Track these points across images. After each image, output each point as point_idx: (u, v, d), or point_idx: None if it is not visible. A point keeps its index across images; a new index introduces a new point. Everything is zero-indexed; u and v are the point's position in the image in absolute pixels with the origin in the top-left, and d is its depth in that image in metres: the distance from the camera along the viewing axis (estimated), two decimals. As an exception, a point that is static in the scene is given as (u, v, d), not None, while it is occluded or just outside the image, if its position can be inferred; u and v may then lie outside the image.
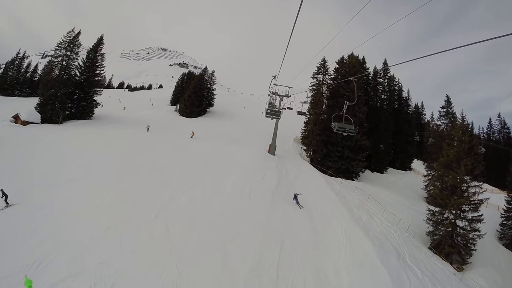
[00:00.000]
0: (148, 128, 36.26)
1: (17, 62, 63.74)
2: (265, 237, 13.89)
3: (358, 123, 29.80)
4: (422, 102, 66.50)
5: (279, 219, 15.58)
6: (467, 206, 19.72)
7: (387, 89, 42.19)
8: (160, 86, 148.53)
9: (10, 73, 62.23)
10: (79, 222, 13.03)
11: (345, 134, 13.91)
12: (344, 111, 13.76)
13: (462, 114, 26.20)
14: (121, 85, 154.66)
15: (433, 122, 69.12)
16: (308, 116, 33.94)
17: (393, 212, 22.83)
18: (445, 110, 34.52)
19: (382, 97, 42.60)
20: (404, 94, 50.06)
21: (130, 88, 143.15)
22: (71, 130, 32.61)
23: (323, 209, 18.48)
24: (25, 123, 32.35)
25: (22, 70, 65.42)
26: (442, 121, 34.48)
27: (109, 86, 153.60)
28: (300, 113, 29.94)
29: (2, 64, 65.80)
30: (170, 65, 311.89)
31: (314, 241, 14.60)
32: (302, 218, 16.20)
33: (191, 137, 26.76)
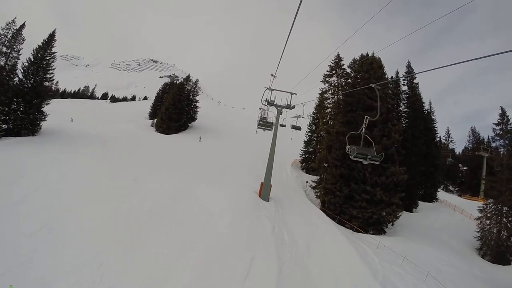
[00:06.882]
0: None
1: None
2: None
3: (393, 147, 20.25)
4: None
5: None
6: None
7: (412, 100, 33.10)
8: (145, 98, 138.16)
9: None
10: None
11: (365, 162, 9.33)
12: (364, 129, 9.17)
13: None
14: (104, 96, 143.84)
15: (450, 139, 60.97)
16: (315, 135, 24.20)
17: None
18: (500, 127, 25.17)
19: (406, 110, 33.53)
20: (425, 107, 41.66)
21: (112, 99, 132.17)
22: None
23: None
24: None
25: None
26: (498, 142, 25.12)
27: (92, 96, 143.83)
28: (294, 127, 21.07)
29: None
30: (160, 77, 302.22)
31: None
32: None
33: None
